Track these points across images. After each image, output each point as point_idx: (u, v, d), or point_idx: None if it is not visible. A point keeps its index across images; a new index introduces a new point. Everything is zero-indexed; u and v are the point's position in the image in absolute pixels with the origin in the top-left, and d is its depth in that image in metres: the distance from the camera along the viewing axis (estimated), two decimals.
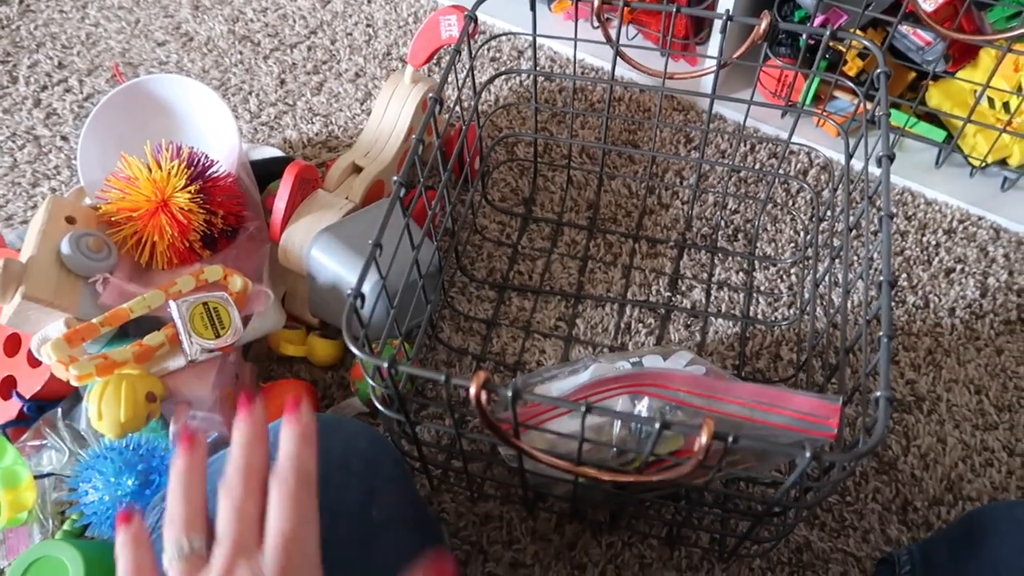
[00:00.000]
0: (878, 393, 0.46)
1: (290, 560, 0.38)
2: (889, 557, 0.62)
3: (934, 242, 0.86)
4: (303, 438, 0.42)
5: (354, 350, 0.48)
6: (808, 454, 0.44)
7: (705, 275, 0.84)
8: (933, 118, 0.90)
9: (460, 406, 0.75)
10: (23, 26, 1.12)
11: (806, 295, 0.79)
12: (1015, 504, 0.59)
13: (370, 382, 0.54)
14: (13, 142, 0.97)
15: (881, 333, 0.49)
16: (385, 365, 0.48)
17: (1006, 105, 0.82)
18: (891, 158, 0.57)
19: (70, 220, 0.69)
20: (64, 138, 0.98)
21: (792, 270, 0.84)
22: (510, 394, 0.46)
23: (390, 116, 0.81)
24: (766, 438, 0.52)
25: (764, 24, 0.64)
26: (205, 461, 0.43)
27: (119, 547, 0.41)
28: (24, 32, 1.11)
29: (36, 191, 0.93)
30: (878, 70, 0.62)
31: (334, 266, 0.70)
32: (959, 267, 0.84)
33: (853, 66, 0.87)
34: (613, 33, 0.72)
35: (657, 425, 0.45)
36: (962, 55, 0.84)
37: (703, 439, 0.45)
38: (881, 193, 0.56)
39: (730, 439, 0.45)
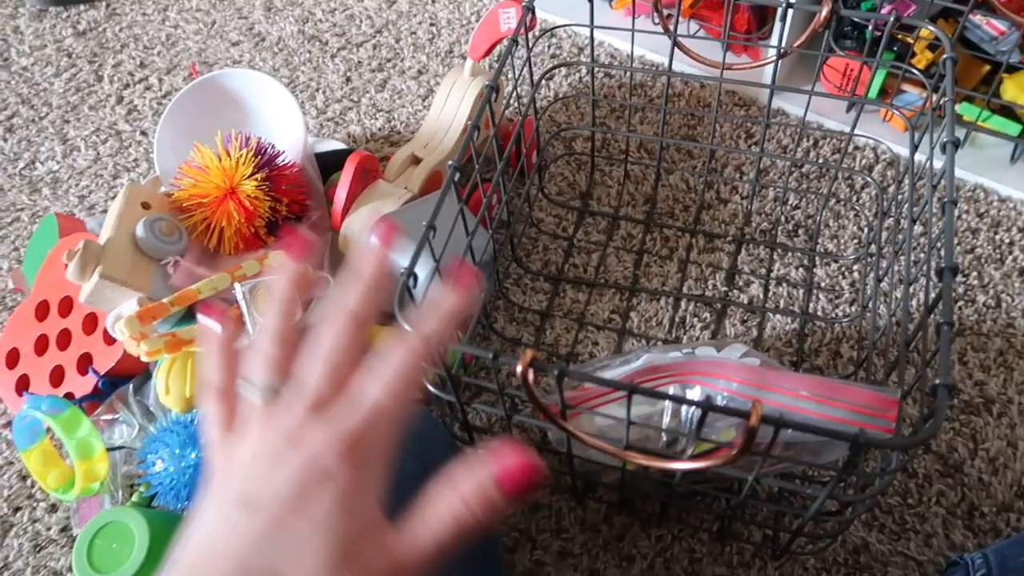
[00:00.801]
0: (936, 381, 0.44)
1: (367, 440, 0.32)
2: (960, 559, 0.59)
3: (1007, 240, 0.82)
4: (456, 318, 0.35)
5: (405, 325, 0.49)
6: (860, 440, 0.43)
7: (763, 270, 0.82)
8: (1008, 112, 0.86)
9: (511, 391, 0.75)
10: (109, 28, 1.18)
11: (868, 292, 0.77)
12: None
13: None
14: (97, 136, 1.03)
15: (941, 320, 0.47)
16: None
17: None
18: (956, 144, 0.55)
19: (145, 206, 0.73)
20: (143, 133, 1.03)
21: (855, 267, 0.81)
22: (556, 373, 0.46)
23: (449, 108, 0.83)
24: (816, 425, 0.51)
25: (826, 10, 0.63)
26: (306, 288, 0.38)
27: (208, 349, 0.37)
28: (110, 34, 1.17)
29: (116, 182, 0.98)
30: (945, 56, 0.60)
31: (392, 253, 0.72)
32: None
33: (922, 58, 0.85)
34: (672, 27, 0.72)
35: (697, 407, 0.45)
36: None
37: (751, 422, 0.44)
38: (946, 181, 0.55)
39: (779, 425, 0.44)
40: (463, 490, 0.32)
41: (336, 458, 0.32)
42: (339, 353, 0.34)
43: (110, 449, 0.68)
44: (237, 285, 0.67)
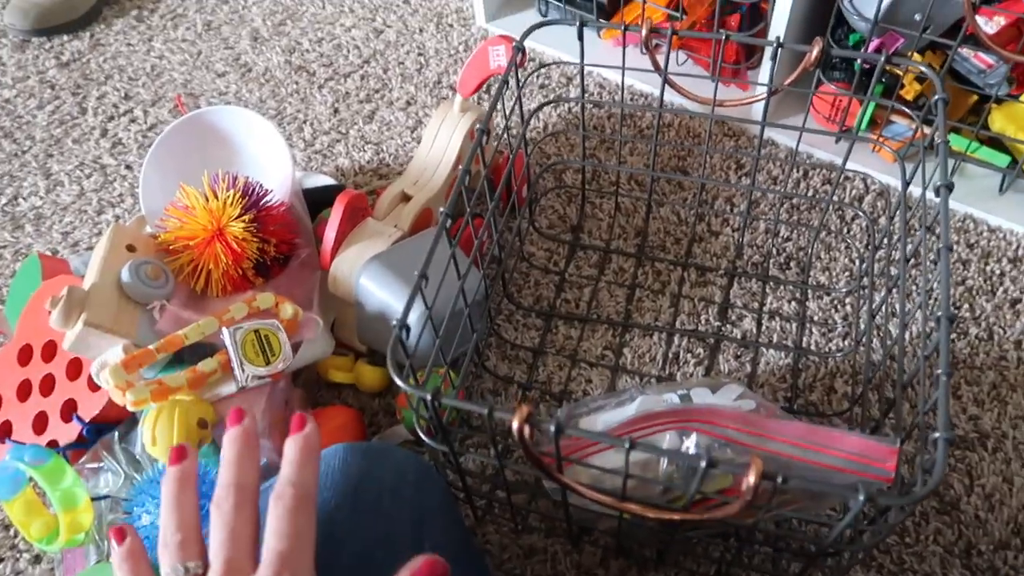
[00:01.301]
0: (937, 434, 0.44)
1: None
2: None
3: (998, 271, 0.82)
4: (305, 456, 0.42)
5: (399, 382, 0.48)
6: (862, 497, 0.42)
7: (756, 304, 0.82)
8: (996, 143, 0.87)
9: (504, 437, 0.75)
10: (92, 59, 1.17)
11: (861, 326, 0.77)
12: None
13: (413, 412, 0.54)
14: (80, 171, 1.02)
15: (939, 371, 0.47)
16: (429, 397, 0.48)
17: None
18: (950, 188, 0.55)
19: (130, 248, 0.72)
20: (128, 167, 1.02)
21: (847, 300, 0.81)
22: (553, 429, 0.45)
23: (439, 145, 0.82)
24: (817, 479, 0.50)
25: (816, 51, 0.63)
26: (195, 478, 0.44)
27: (116, 563, 0.41)
28: (94, 65, 1.16)
29: (101, 218, 0.96)
30: (936, 96, 0.60)
31: (382, 294, 0.71)
32: None
33: (911, 90, 0.85)
34: (661, 60, 0.71)
35: (703, 463, 0.44)
36: None
37: (751, 479, 0.44)
38: (940, 223, 0.54)
39: (779, 480, 0.43)
40: None
41: None
42: (234, 521, 0.40)
43: (95, 498, 0.67)
44: (225, 331, 0.66)
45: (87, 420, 0.69)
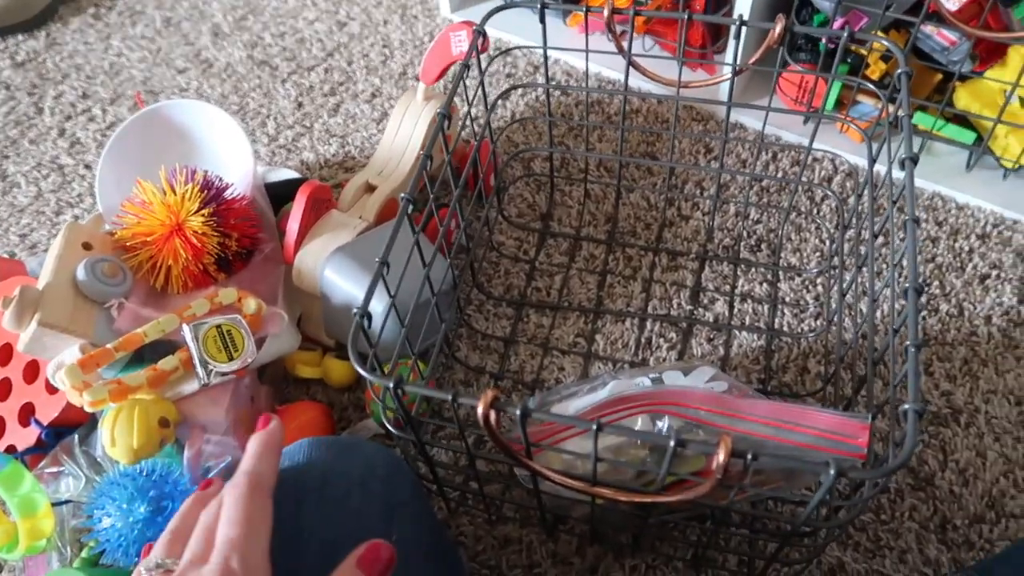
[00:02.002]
0: (906, 405, 0.43)
1: (229, 567, 0.38)
2: None
3: (967, 248, 0.82)
4: (265, 448, 0.44)
5: (361, 371, 0.47)
6: (833, 471, 0.42)
7: (728, 287, 0.81)
8: (962, 120, 0.87)
9: (475, 427, 0.73)
10: (49, 59, 1.14)
11: (833, 306, 0.77)
12: None
13: (380, 403, 0.53)
14: (38, 172, 0.99)
15: (908, 343, 0.46)
16: (391, 385, 0.47)
17: None
18: (915, 160, 0.55)
19: (87, 246, 0.70)
20: (87, 166, 0.99)
21: (818, 280, 0.81)
22: (519, 413, 0.44)
23: (403, 134, 0.81)
24: (788, 456, 0.50)
25: (779, 28, 0.63)
26: (210, 499, 0.45)
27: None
28: (50, 64, 1.13)
29: (60, 219, 0.94)
30: (899, 71, 0.60)
31: (347, 286, 0.70)
32: (994, 273, 0.80)
33: (876, 69, 0.85)
34: (627, 45, 0.71)
35: (672, 443, 0.44)
36: (989, 54, 0.82)
37: (721, 457, 0.43)
38: (906, 197, 0.54)
39: (749, 457, 0.43)
40: None
41: None
42: (210, 517, 0.42)
43: (56, 504, 0.65)
44: (186, 327, 0.64)
45: (45, 424, 0.67)
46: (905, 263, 0.51)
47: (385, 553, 0.41)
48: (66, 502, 0.65)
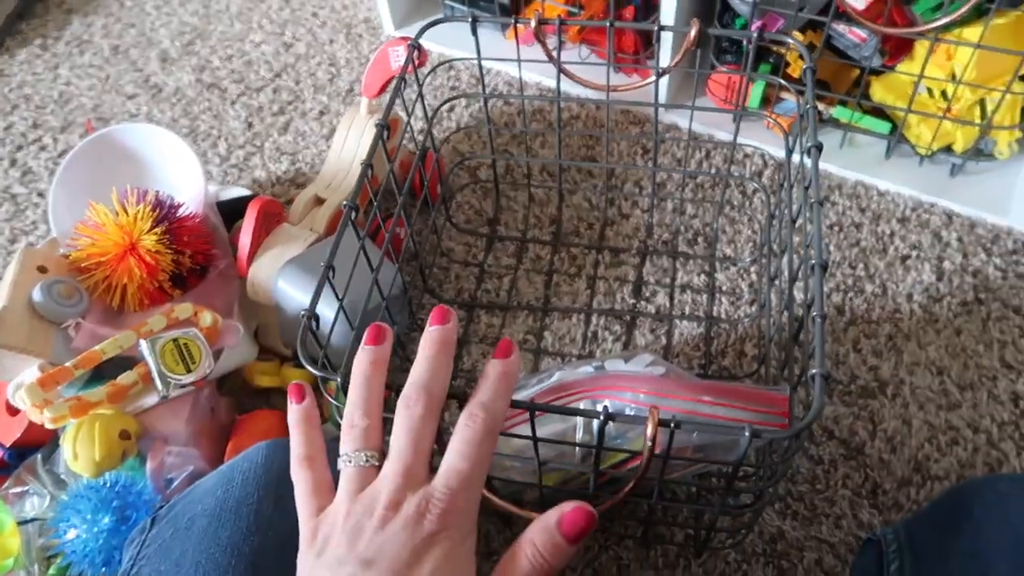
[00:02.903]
0: (813, 371, 0.47)
1: (456, 503, 0.37)
2: (873, 537, 0.62)
3: (888, 231, 0.88)
4: (503, 385, 0.41)
5: (308, 367, 0.50)
6: (748, 434, 0.45)
7: (668, 280, 0.85)
8: (879, 112, 0.92)
9: None
10: None
11: (765, 292, 0.81)
12: (997, 478, 0.59)
13: (332, 402, 0.56)
14: None
15: (815, 313, 0.50)
16: (339, 380, 0.49)
17: (944, 93, 0.85)
18: (819, 148, 0.59)
19: (42, 269, 0.71)
20: (40, 194, 1.01)
21: (752, 269, 0.86)
22: (456, 398, 0.47)
23: (349, 147, 0.84)
24: (709, 424, 0.53)
25: (693, 31, 0.67)
26: (387, 363, 0.43)
27: (291, 423, 0.44)
28: None
29: (14, 247, 0.95)
30: (805, 66, 0.65)
31: (301, 296, 0.72)
32: (914, 253, 0.86)
33: (796, 68, 0.90)
34: (556, 54, 0.74)
35: (601, 417, 0.47)
36: (897, 49, 0.87)
37: (649, 429, 0.47)
38: (813, 183, 0.58)
39: (672, 425, 0.46)
40: (537, 542, 0.39)
41: (437, 522, 0.37)
42: (421, 427, 0.40)
43: (21, 523, 0.66)
44: (143, 341, 0.67)
45: (7, 445, 0.69)
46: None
47: (589, 521, 0.39)
48: (32, 520, 0.66)
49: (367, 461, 0.40)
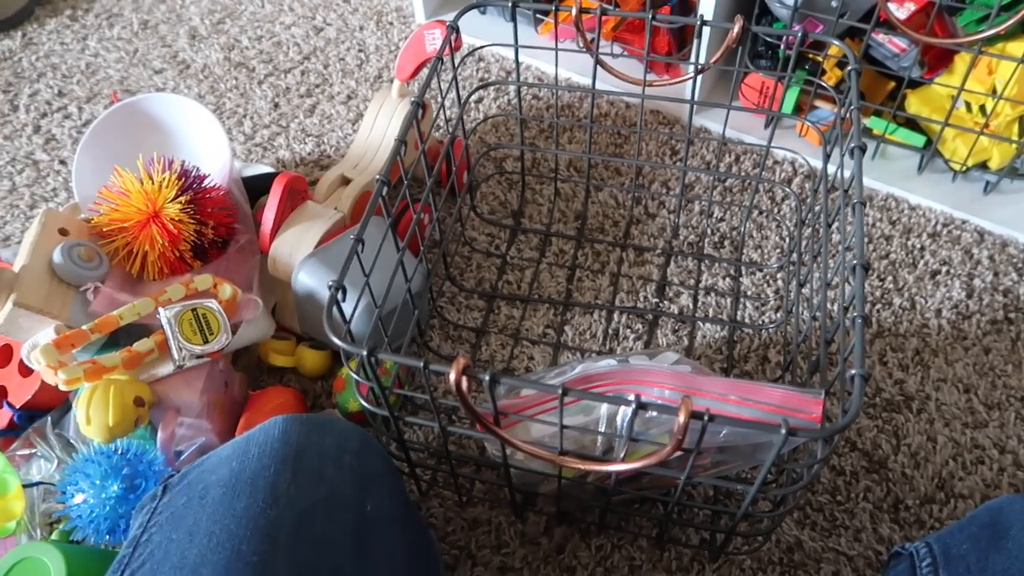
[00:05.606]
0: (852, 371, 0.46)
1: None
2: (901, 550, 0.60)
3: (919, 245, 0.86)
4: None
5: (333, 338, 0.48)
6: (784, 431, 0.44)
7: (692, 281, 0.84)
8: (913, 124, 0.91)
9: (444, 403, 0.75)
10: (25, 58, 1.15)
11: (791, 298, 0.80)
12: None
13: (354, 377, 0.54)
14: (12, 167, 0.99)
15: (855, 314, 0.49)
16: (365, 353, 0.48)
17: (982, 108, 0.84)
18: (863, 149, 0.58)
19: (63, 232, 0.71)
20: (62, 162, 1.00)
21: (778, 275, 0.84)
22: (487, 378, 0.46)
23: (378, 129, 0.83)
24: (744, 421, 0.52)
25: (737, 27, 0.66)
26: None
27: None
28: (26, 63, 1.14)
29: (33, 212, 0.94)
30: (849, 67, 0.64)
31: (321, 288, 0.71)
32: (944, 269, 0.84)
33: (832, 75, 0.89)
34: (595, 46, 0.74)
35: (634, 406, 0.46)
36: (937, 61, 0.86)
37: (681, 419, 0.45)
38: (855, 185, 0.57)
39: (706, 418, 0.45)
40: None
41: None
42: None
43: (27, 486, 0.65)
44: (161, 310, 0.66)
45: (18, 406, 0.68)
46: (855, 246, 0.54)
47: None
48: (38, 483, 0.65)
49: None
